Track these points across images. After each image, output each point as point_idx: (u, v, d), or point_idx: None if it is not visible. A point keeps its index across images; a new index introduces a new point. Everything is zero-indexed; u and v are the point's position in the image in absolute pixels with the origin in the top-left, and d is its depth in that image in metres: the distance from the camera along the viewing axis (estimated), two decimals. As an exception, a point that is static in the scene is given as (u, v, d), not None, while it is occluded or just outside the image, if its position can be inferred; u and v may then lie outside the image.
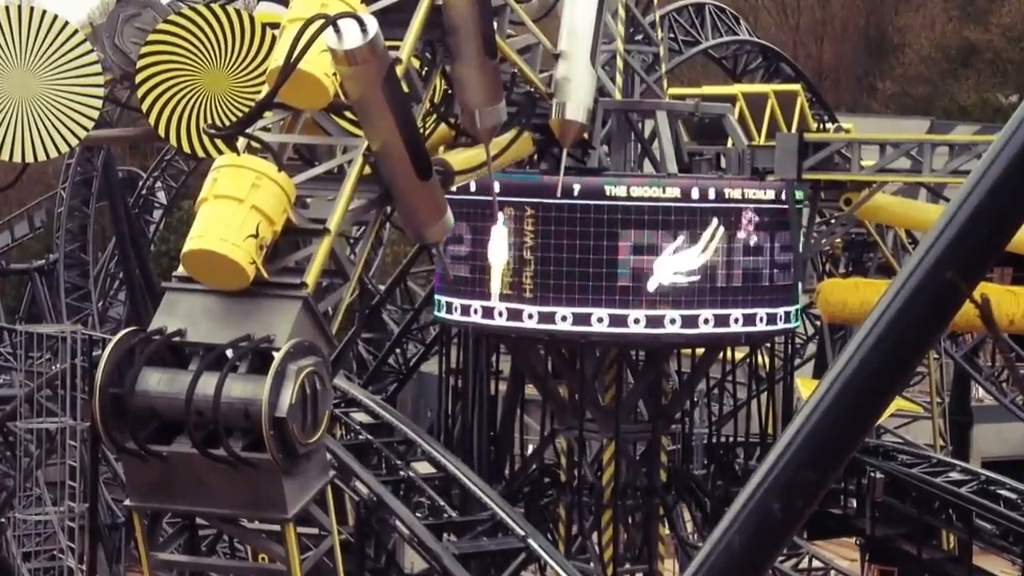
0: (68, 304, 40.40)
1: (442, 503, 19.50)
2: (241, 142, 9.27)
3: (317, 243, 9.15)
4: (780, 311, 22.06)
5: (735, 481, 24.61)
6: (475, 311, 21.84)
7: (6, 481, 30.54)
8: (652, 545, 23.58)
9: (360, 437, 20.80)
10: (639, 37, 24.57)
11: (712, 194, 21.35)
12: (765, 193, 21.92)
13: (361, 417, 21.04)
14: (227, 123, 10.58)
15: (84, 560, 25.45)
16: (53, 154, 11.00)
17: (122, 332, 8.82)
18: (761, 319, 21.76)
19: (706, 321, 21.31)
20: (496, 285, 21.29)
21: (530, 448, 26.77)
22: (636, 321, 21.05)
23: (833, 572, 26.89)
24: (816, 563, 26.89)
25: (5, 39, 10.91)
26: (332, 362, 9.10)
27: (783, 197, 22.06)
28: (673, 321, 21.11)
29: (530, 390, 26.24)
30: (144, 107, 10.92)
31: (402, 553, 22.43)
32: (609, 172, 22.40)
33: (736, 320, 21.51)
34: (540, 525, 22.69)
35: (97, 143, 31.29)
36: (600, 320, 21.05)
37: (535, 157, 21.64)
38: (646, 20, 24.61)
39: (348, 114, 9.85)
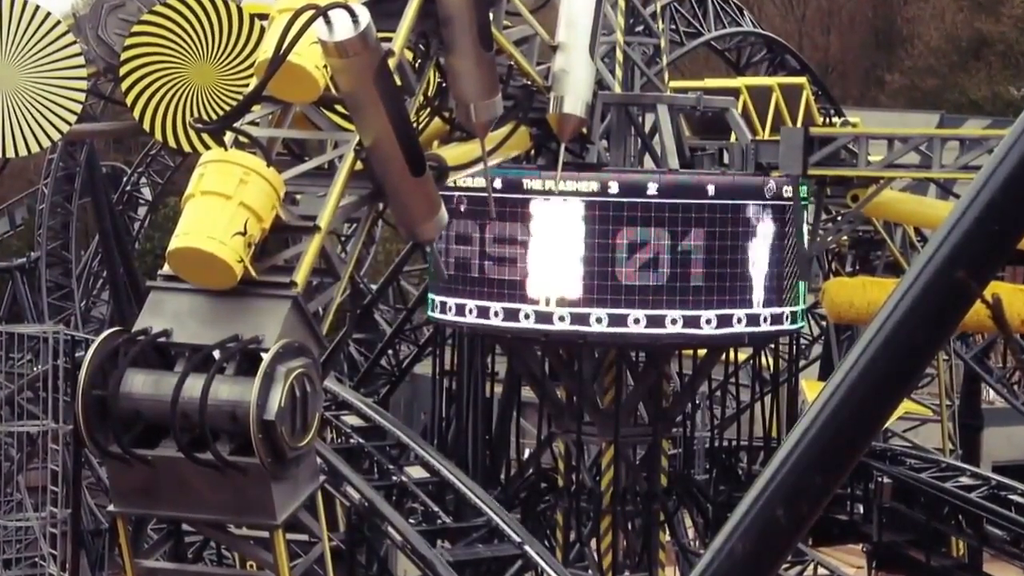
0: (50, 303, 40.10)
1: (436, 509, 19.32)
2: (229, 137, 9.17)
3: (307, 241, 9.08)
4: (785, 311, 21.84)
5: (738, 486, 24.42)
6: (470, 311, 21.60)
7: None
8: (652, 552, 23.37)
9: (351, 441, 20.64)
10: (639, 28, 24.35)
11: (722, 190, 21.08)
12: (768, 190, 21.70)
13: (352, 420, 20.88)
14: (214, 117, 10.46)
15: (67, 567, 25.44)
16: (35, 149, 10.94)
17: (106, 332, 8.78)
18: (765, 319, 21.52)
19: (708, 322, 21.06)
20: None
21: (527, 452, 26.55)
22: (636, 321, 20.80)
23: (838, 579, 26.69)
24: (821, 570, 26.66)
25: (-14, 31, 10.77)
26: (323, 363, 8.99)
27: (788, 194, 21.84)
28: (675, 321, 20.87)
29: (527, 392, 26.04)
30: (128, 100, 10.84)
31: (395, 560, 22.19)
32: (608, 166, 22.22)
33: (740, 320, 21.26)
34: (537, 531, 22.50)
35: (80, 138, 31.19)
36: (599, 320, 20.80)
37: (532, 152, 21.48)
38: (647, 11, 24.38)
39: (339, 108, 9.79)
